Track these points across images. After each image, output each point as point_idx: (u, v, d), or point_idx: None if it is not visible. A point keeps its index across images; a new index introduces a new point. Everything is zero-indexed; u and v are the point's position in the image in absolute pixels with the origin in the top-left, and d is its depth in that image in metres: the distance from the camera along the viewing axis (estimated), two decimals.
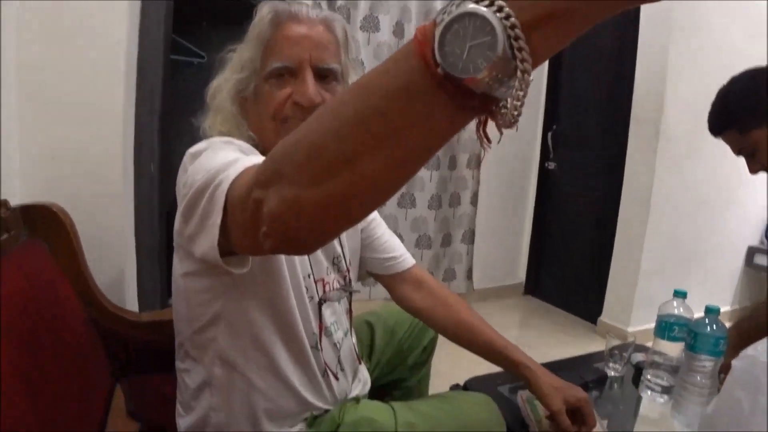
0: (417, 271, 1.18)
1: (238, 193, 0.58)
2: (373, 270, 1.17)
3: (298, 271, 0.92)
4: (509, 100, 0.37)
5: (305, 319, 0.94)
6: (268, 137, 0.90)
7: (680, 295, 1.21)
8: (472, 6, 0.34)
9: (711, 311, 1.09)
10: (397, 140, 0.41)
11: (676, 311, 1.20)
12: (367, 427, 0.95)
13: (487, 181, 3.22)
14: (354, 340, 1.13)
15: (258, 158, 0.66)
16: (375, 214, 1.17)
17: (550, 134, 3.36)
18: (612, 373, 1.39)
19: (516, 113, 0.37)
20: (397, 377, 1.37)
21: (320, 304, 0.98)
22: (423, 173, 2.94)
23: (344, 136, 0.43)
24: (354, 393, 1.08)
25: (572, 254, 3.33)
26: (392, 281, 1.17)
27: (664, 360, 1.24)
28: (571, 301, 3.31)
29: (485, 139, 0.43)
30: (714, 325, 1.09)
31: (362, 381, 1.14)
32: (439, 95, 0.38)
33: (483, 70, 0.35)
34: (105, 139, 1.47)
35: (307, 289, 0.95)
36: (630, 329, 2.71)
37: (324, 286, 1.00)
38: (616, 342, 1.38)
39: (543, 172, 3.47)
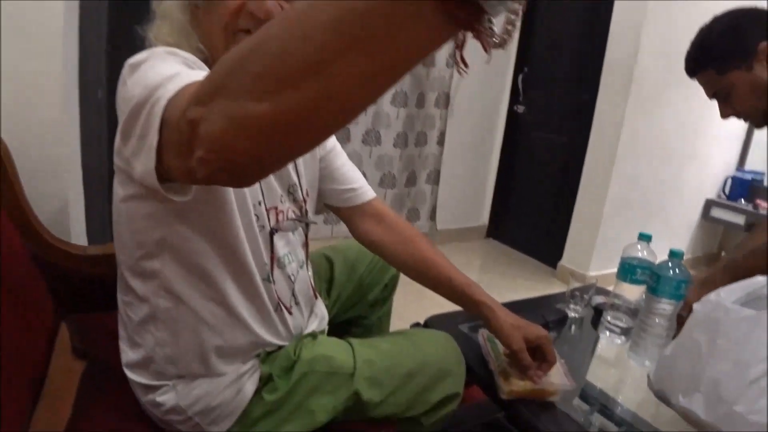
0: (377, 205, 1.13)
1: (173, 113, 0.51)
2: (331, 202, 1.12)
3: (247, 198, 0.86)
4: (503, 17, 0.32)
5: (255, 249, 0.88)
6: (219, 50, 0.81)
7: (645, 238, 1.20)
8: None
9: (675, 255, 1.09)
10: (373, 47, 0.37)
11: (640, 254, 1.20)
12: (324, 365, 0.93)
13: (455, 121, 3.16)
14: (310, 273, 1.08)
15: (203, 73, 0.59)
16: (334, 143, 1.11)
17: (520, 77, 3.29)
18: (572, 314, 1.39)
19: (510, 28, 0.32)
20: (357, 314, 1.35)
21: (272, 233, 0.92)
22: (390, 110, 2.85)
23: (313, 39, 0.37)
24: (310, 329, 1.04)
25: (536, 198, 3.35)
26: (351, 214, 1.12)
27: (624, 302, 1.25)
28: (532, 245, 3.35)
29: (462, 63, 0.40)
30: (677, 269, 1.09)
31: (319, 316, 1.10)
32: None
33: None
34: (42, 60, 1.33)
35: (257, 218, 0.88)
36: (590, 273, 2.77)
37: (277, 215, 0.94)
38: (577, 284, 1.38)
39: (512, 115, 3.42)
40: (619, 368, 1.22)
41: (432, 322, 1.27)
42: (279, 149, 0.45)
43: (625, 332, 1.24)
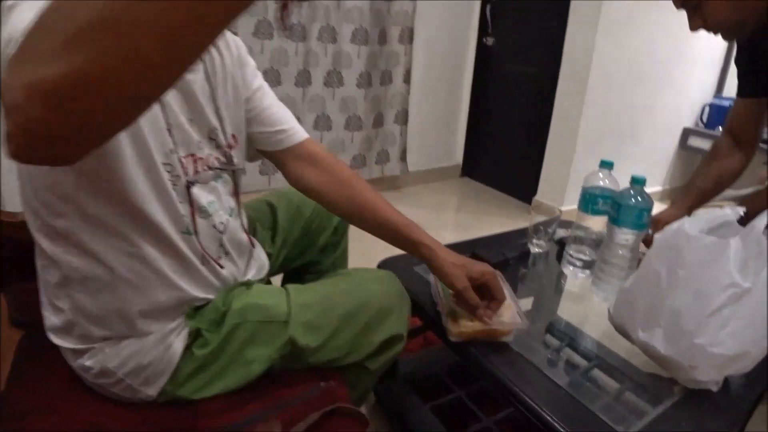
0: (310, 146, 1.04)
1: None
2: (261, 146, 1.03)
3: (150, 149, 0.76)
4: None
5: (168, 202, 0.80)
6: None
7: (606, 165, 1.12)
8: None
9: (636, 182, 1.01)
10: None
11: (601, 183, 1.12)
12: (257, 314, 0.88)
13: (421, 57, 3.01)
14: (244, 221, 1.01)
15: None
16: (260, 83, 1.01)
17: (489, 7, 3.12)
18: (536, 250, 1.33)
19: None
20: (309, 260, 1.29)
21: (189, 185, 0.83)
22: (350, 48, 2.70)
23: None
24: (247, 278, 0.99)
25: (510, 134, 3.25)
26: (283, 158, 1.04)
27: (586, 234, 1.18)
28: (507, 182, 3.29)
29: (283, 24, 0.33)
30: (639, 197, 1.01)
31: (258, 266, 1.04)
32: None
33: None
34: None
35: (170, 167, 0.80)
36: (564, 208, 2.71)
37: (195, 163, 0.85)
38: (541, 218, 1.31)
39: (481, 48, 3.27)
40: (584, 303, 1.16)
41: (386, 264, 1.19)
42: (83, 117, 0.40)
43: (588, 265, 1.17)
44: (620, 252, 1.06)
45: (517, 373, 0.87)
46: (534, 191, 2.95)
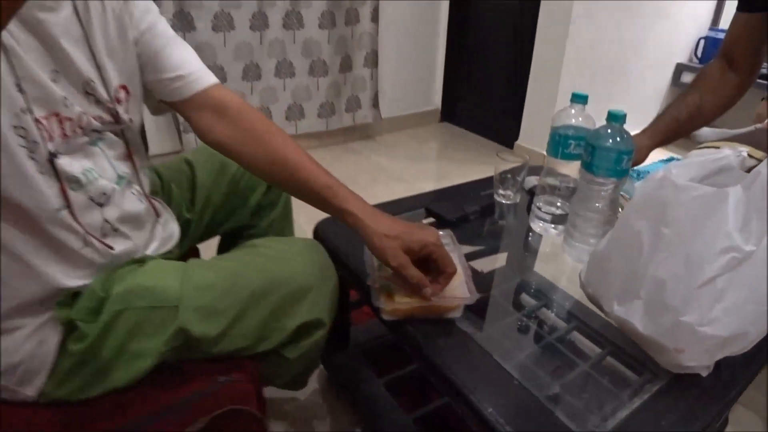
0: (217, 93, 0.86)
1: None
2: (161, 96, 0.86)
3: None
4: None
5: (23, 174, 0.65)
6: None
7: (579, 99, 0.93)
8: None
9: (614, 118, 0.82)
10: None
11: (573, 121, 0.93)
12: (141, 298, 0.73)
13: None
14: (145, 186, 0.86)
15: None
16: (152, 22, 0.82)
17: None
18: (503, 201, 1.15)
19: None
20: (242, 223, 1.13)
21: (55, 152, 0.68)
22: None
23: None
24: (148, 253, 0.84)
25: (490, 75, 3.02)
26: (186, 109, 0.86)
27: (560, 182, 1.00)
28: (489, 126, 3.08)
29: None
30: (617, 137, 0.83)
31: (162, 237, 0.88)
32: None
33: None
34: None
35: (24, 132, 0.65)
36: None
37: (62, 124, 0.69)
38: (508, 165, 1.13)
39: None
40: (556, 264, 0.99)
41: (322, 228, 1.01)
42: None
43: (560, 220, 1.00)
44: (596, 205, 0.88)
45: (459, 360, 0.70)
46: (516, 135, 2.75)
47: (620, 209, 0.91)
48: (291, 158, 0.82)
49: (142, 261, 0.79)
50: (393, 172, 2.63)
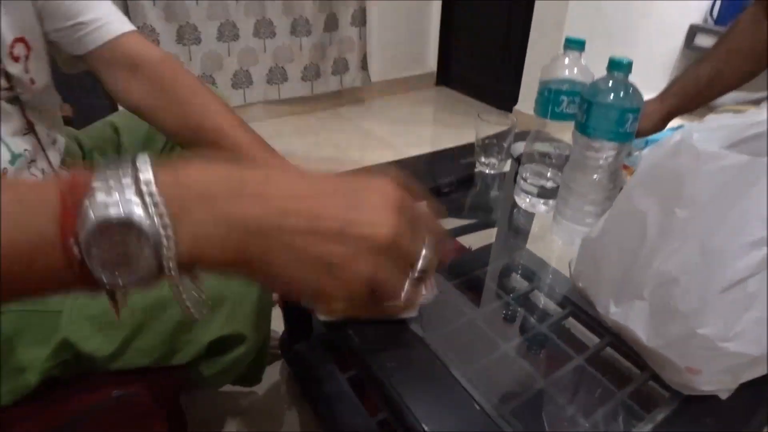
0: (133, 45, 0.71)
1: None
2: (67, 50, 0.71)
3: None
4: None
5: None
6: None
7: (574, 45, 0.75)
8: (139, 218, 0.28)
9: (617, 65, 0.65)
10: None
11: (566, 72, 0.76)
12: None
13: None
14: (55, 161, 0.71)
15: None
16: None
17: None
18: (485, 171, 0.99)
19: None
20: None
21: None
22: None
23: None
24: None
25: (489, 35, 2.80)
26: (95, 64, 0.71)
27: (552, 149, 0.83)
28: (487, 90, 2.88)
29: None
30: (620, 90, 0.66)
31: None
32: (68, 271, 0.29)
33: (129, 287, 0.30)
34: None
35: None
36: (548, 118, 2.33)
37: None
38: (493, 128, 0.96)
39: None
40: (544, 245, 0.83)
41: None
42: None
43: (550, 194, 0.84)
44: (592, 176, 0.72)
45: (405, 370, 0.55)
46: (515, 99, 2.56)
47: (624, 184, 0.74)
48: (210, 124, 0.67)
49: None
50: (383, 138, 2.46)
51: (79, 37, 0.68)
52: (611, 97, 0.66)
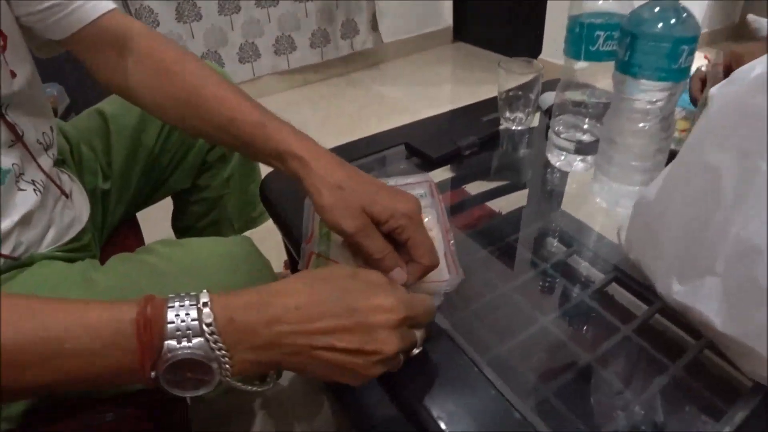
0: (115, 23, 0.62)
1: None
2: (44, 34, 0.62)
3: None
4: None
5: None
6: None
7: None
8: (206, 357, 0.36)
9: None
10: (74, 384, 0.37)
11: (600, 3, 0.63)
12: None
13: None
14: (47, 164, 0.64)
15: None
16: None
17: None
18: (511, 127, 0.88)
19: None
20: (184, 186, 0.92)
21: None
22: None
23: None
24: (42, 250, 0.62)
25: None
26: (77, 48, 0.63)
27: (587, 96, 0.72)
28: (507, 42, 2.71)
29: None
30: (671, 18, 0.54)
31: (64, 224, 0.66)
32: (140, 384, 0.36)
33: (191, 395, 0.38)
34: None
35: None
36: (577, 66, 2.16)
37: None
38: (515, 78, 0.84)
39: None
40: (585, 209, 0.73)
41: (267, 185, 0.77)
42: None
43: (589, 149, 0.73)
44: (639, 125, 0.60)
45: (428, 371, 0.46)
46: (538, 49, 2.39)
47: (676, 133, 0.63)
48: (204, 93, 0.58)
49: (27, 264, 0.58)
50: (398, 102, 2.34)
51: (57, 20, 0.59)
52: (660, 26, 0.54)
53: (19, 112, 0.59)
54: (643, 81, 0.56)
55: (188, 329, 0.35)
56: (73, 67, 1.68)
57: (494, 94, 0.88)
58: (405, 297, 0.42)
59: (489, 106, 0.91)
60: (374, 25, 2.53)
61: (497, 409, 0.43)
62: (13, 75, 0.57)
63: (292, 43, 2.37)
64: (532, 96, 0.85)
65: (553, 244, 0.65)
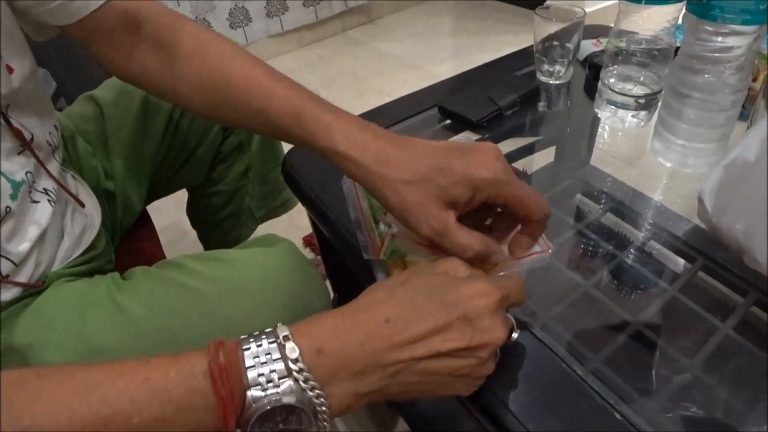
0: (122, 5, 0.54)
1: None
2: (44, 20, 0.54)
3: None
4: None
5: None
6: None
7: None
8: (297, 401, 0.30)
9: None
10: None
11: None
12: (17, 360, 0.48)
13: None
14: (55, 169, 0.57)
15: None
16: None
17: None
18: (550, 82, 0.81)
19: None
20: (197, 182, 0.86)
21: None
22: None
23: None
24: (57, 266, 0.56)
25: None
26: (86, 33, 0.55)
27: (642, 45, 0.65)
28: None
29: None
30: None
31: (77, 232, 0.59)
32: None
33: None
34: None
35: None
36: (589, 9, 2.05)
37: None
38: (552, 27, 0.77)
39: None
40: (640, 170, 0.67)
41: (291, 162, 0.70)
42: None
43: (645, 105, 0.66)
44: (714, 75, 0.54)
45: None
46: None
47: (752, 80, 0.57)
48: (235, 76, 0.50)
49: (38, 292, 0.52)
50: (401, 58, 2.24)
51: (61, 4, 0.51)
52: None
53: (23, 113, 0.52)
54: (725, 25, 0.50)
55: (272, 372, 0.30)
56: (58, 47, 1.57)
57: (500, 43, 0.81)
58: (494, 278, 0.38)
59: (520, 58, 0.85)
60: None
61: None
62: (11, 70, 0.50)
63: (284, 3, 2.25)
64: (572, 46, 0.78)
65: (610, 217, 0.60)
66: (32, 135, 0.53)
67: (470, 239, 0.40)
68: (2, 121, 0.49)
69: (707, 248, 0.52)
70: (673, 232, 0.55)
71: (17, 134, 0.50)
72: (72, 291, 0.52)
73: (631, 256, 0.55)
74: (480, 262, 0.41)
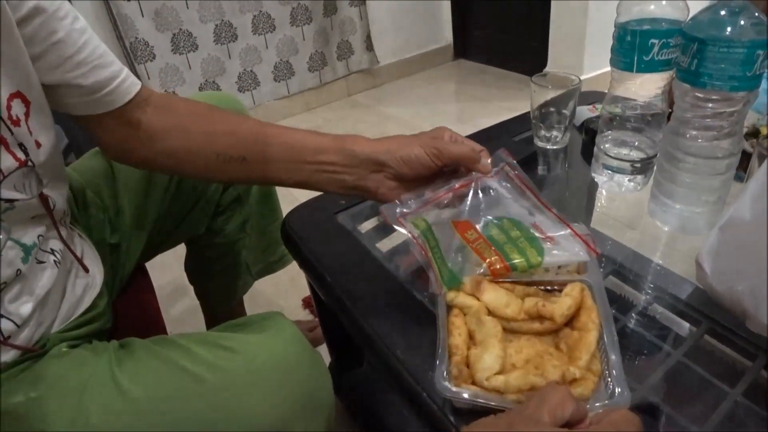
0: (147, 90, 0.58)
1: None
2: (74, 110, 0.55)
3: None
4: None
5: None
6: None
7: None
8: None
9: None
10: None
11: (652, 8, 0.58)
12: (15, 424, 0.47)
13: None
14: (65, 231, 0.58)
15: None
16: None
17: None
18: (547, 146, 0.82)
19: None
20: (198, 232, 0.86)
21: None
22: None
23: None
24: (57, 327, 0.55)
25: None
26: (95, 126, 0.57)
27: (636, 111, 0.66)
28: (511, 56, 2.68)
29: None
30: (742, 20, 0.48)
31: (78, 294, 0.58)
32: None
33: None
34: None
35: None
36: (584, 77, 2.12)
37: None
38: (550, 93, 0.79)
39: None
40: (640, 232, 0.67)
41: (291, 223, 0.70)
42: None
43: (641, 169, 0.67)
44: (706, 140, 0.55)
45: None
46: (543, 62, 2.35)
47: (744, 141, 0.57)
48: (260, 129, 0.57)
49: (38, 355, 0.51)
50: (404, 120, 2.30)
51: (100, 96, 0.53)
52: (730, 30, 0.48)
53: (47, 184, 0.52)
54: (714, 92, 0.51)
55: None
56: None
57: (502, 108, 0.83)
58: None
59: (517, 124, 0.86)
60: (369, 46, 2.50)
61: None
62: (38, 145, 0.50)
63: (291, 68, 2.34)
64: (567, 112, 0.79)
65: (611, 280, 0.59)
66: (54, 203, 0.53)
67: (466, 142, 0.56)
68: (35, 179, 0.49)
69: (712, 311, 0.51)
70: (676, 295, 0.54)
71: (44, 203, 0.51)
72: (72, 362, 0.51)
73: (633, 320, 0.54)
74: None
